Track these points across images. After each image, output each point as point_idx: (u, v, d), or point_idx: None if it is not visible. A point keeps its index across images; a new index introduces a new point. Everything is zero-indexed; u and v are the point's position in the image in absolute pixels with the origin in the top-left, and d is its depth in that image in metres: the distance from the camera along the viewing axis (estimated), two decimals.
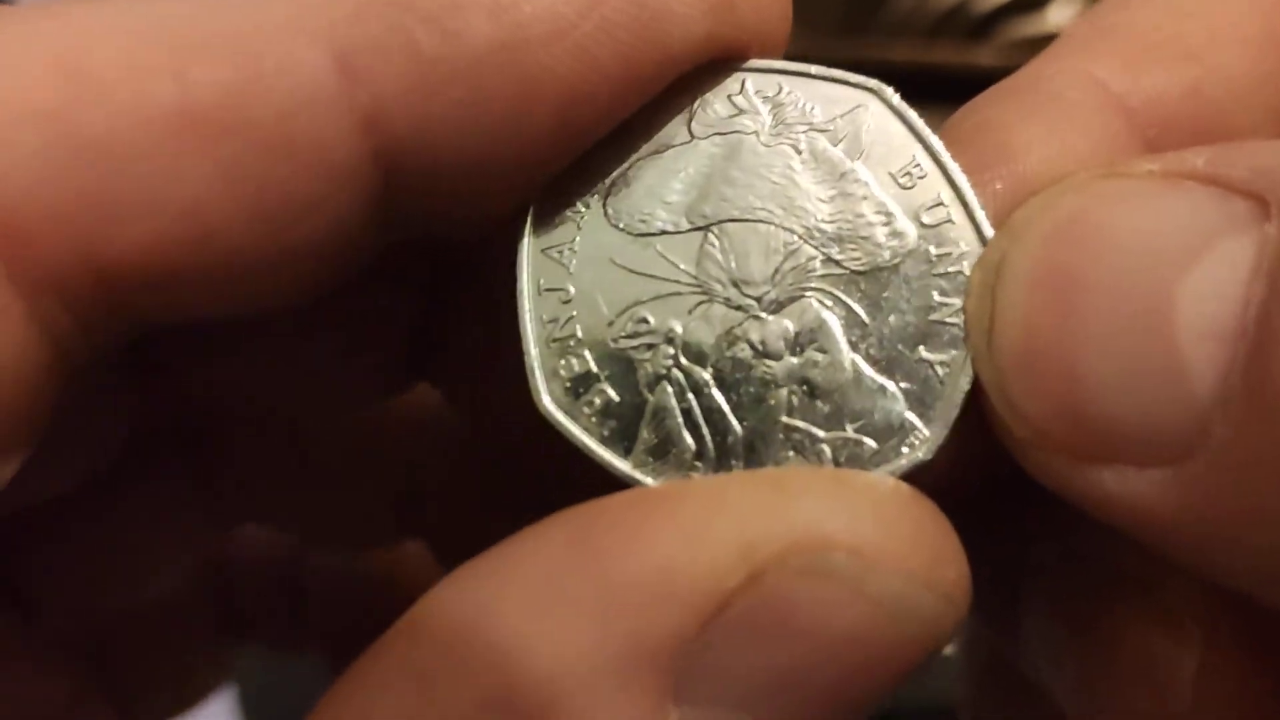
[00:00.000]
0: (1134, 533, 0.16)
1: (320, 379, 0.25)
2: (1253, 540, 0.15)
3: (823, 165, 0.18)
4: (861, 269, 0.18)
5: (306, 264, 0.17)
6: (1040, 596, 0.20)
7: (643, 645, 0.15)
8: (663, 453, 0.17)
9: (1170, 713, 0.18)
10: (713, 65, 0.18)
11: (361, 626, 0.30)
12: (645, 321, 0.18)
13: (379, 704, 0.16)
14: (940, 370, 0.17)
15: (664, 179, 0.18)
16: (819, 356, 0.18)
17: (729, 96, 0.18)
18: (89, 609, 0.27)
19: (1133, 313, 0.15)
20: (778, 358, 0.18)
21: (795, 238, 0.18)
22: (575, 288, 0.18)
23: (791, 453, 0.17)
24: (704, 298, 0.18)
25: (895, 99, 0.18)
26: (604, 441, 0.18)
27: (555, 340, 0.18)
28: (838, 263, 0.18)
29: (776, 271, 0.18)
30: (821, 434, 0.17)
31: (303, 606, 0.32)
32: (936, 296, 0.18)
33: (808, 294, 0.18)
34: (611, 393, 0.18)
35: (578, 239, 0.18)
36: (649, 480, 0.17)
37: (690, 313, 0.18)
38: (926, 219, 0.18)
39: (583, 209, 0.18)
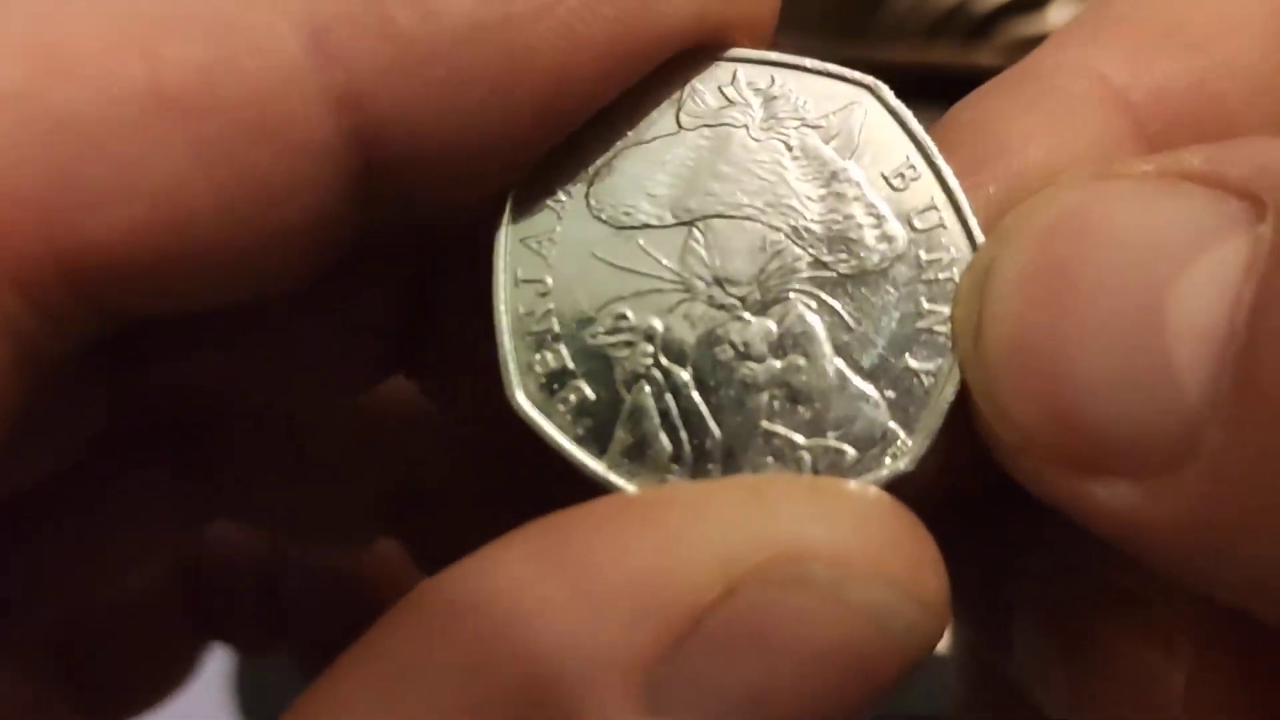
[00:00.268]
0: (1123, 544, 0.16)
1: (304, 369, 0.25)
2: (1244, 553, 0.15)
3: (813, 163, 0.18)
4: (849, 272, 0.17)
5: (284, 251, 0.17)
6: (1029, 607, 0.20)
7: (619, 656, 0.15)
8: (639, 454, 0.17)
9: None
10: (700, 52, 0.18)
11: (333, 628, 0.30)
12: (625, 318, 0.17)
13: (357, 701, 0.15)
14: (925, 379, 0.17)
15: (649, 170, 0.18)
16: (802, 361, 0.17)
17: (719, 87, 0.18)
18: (60, 606, 0.27)
19: (1125, 314, 0.15)
20: (760, 360, 0.17)
21: (782, 237, 0.17)
22: (554, 280, 0.17)
23: (770, 459, 0.17)
24: (686, 295, 0.17)
25: (890, 97, 0.18)
26: (578, 440, 0.17)
27: (531, 334, 0.17)
28: (825, 264, 0.17)
29: (762, 271, 0.17)
30: (802, 440, 0.17)
31: (275, 606, 0.32)
32: (925, 303, 0.17)
33: (793, 295, 0.17)
34: (588, 390, 0.17)
35: (558, 229, 0.18)
36: (623, 482, 0.17)
37: (672, 310, 0.17)
38: (918, 223, 0.17)
39: (564, 198, 0.18)
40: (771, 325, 0.17)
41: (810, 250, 0.17)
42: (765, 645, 0.15)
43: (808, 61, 0.18)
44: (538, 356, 0.17)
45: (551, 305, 0.17)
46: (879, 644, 0.15)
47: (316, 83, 0.16)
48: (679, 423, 0.17)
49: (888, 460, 0.17)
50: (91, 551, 0.26)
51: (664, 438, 0.17)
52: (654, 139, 0.18)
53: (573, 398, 0.17)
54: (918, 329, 0.17)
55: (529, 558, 0.16)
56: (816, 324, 0.17)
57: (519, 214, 0.18)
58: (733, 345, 0.17)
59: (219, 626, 0.32)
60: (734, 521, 0.15)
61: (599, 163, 0.18)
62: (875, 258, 0.17)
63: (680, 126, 0.18)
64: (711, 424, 0.17)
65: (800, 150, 0.18)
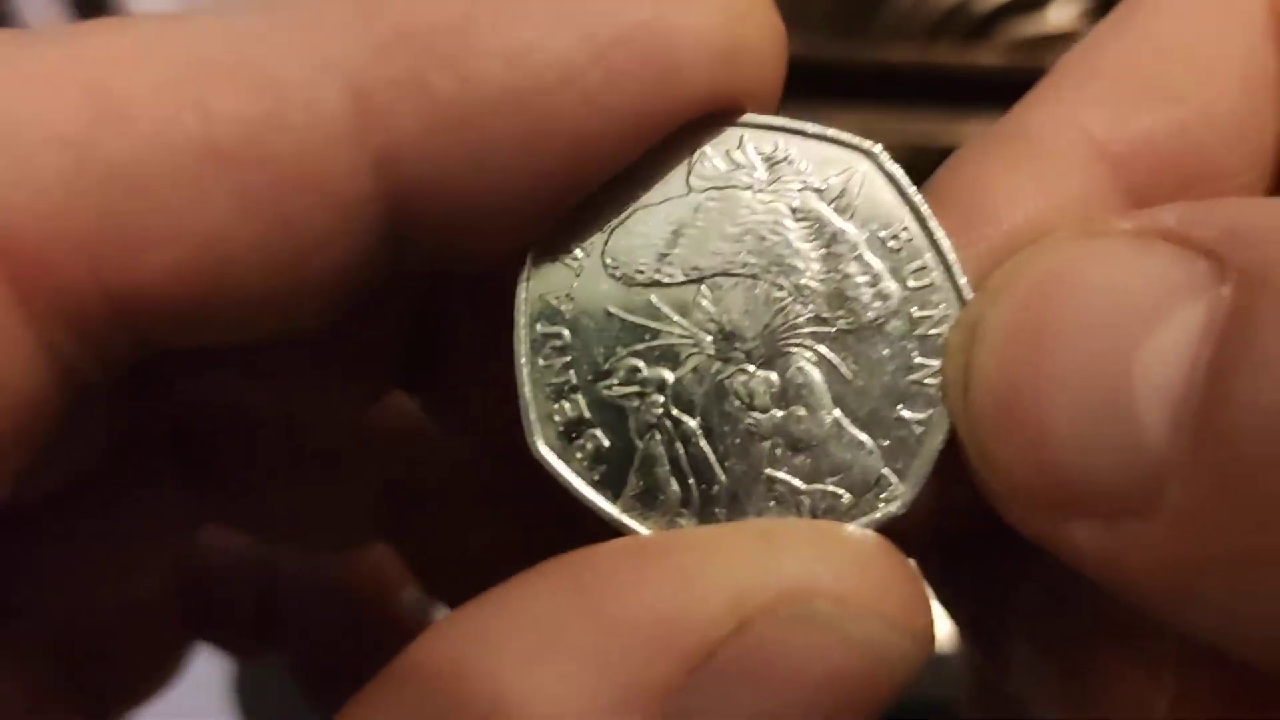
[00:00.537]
0: (1103, 582, 0.17)
1: (310, 387, 0.26)
2: (1208, 598, 0.15)
3: (814, 224, 0.19)
4: (847, 327, 0.18)
5: (314, 296, 0.18)
6: (1026, 635, 0.21)
7: (636, 691, 0.16)
8: (650, 499, 0.18)
9: None
10: (711, 117, 0.19)
11: (327, 636, 0.31)
12: (638, 370, 0.18)
13: None
14: (916, 429, 0.18)
15: (661, 230, 0.19)
16: (802, 411, 0.18)
17: (727, 151, 0.19)
18: (63, 609, 0.27)
19: (1097, 372, 0.16)
20: (764, 411, 0.18)
21: (785, 294, 0.19)
22: (570, 334, 0.19)
23: (773, 503, 0.18)
24: (695, 349, 0.18)
25: (887, 161, 0.19)
26: (594, 485, 0.18)
27: (550, 385, 0.18)
28: (825, 320, 0.18)
29: (766, 326, 0.18)
30: (802, 486, 0.18)
31: (270, 612, 0.32)
32: (917, 357, 0.18)
33: (794, 350, 0.18)
34: (603, 439, 0.18)
35: (575, 285, 0.19)
36: (636, 524, 0.18)
37: (681, 363, 0.18)
38: (911, 281, 0.18)
39: (581, 255, 0.19)
40: (775, 377, 0.18)
41: (811, 307, 0.18)
42: (774, 675, 0.16)
43: (810, 127, 0.19)
44: (556, 406, 0.18)
45: (569, 358, 0.19)
46: (875, 673, 0.17)
47: (357, 142, 0.16)
48: (688, 469, 0.18)
49: (881, 504, 0.18)
50: (97, 556, 0.27)
51: (674, 484, 0.18)
52: (665, 200, 0.19)
53: (589, 445, 0.18)
54: (910, 381, 0.18)
55: (550, 597, 0.16)
56: (816, 376, 0.18)
57: (538, 270, 0.19)
58: (739, 396, 0.18)
59: (215, 631, 0.32)
60: (744, 563, 0.17)
61: (614, 222, 0.19)
62: (871, 314, 0.18)
63: (690, 189, 0.19)
64: (718, 470, 0.18)
65: (802, 212, 0.19)
